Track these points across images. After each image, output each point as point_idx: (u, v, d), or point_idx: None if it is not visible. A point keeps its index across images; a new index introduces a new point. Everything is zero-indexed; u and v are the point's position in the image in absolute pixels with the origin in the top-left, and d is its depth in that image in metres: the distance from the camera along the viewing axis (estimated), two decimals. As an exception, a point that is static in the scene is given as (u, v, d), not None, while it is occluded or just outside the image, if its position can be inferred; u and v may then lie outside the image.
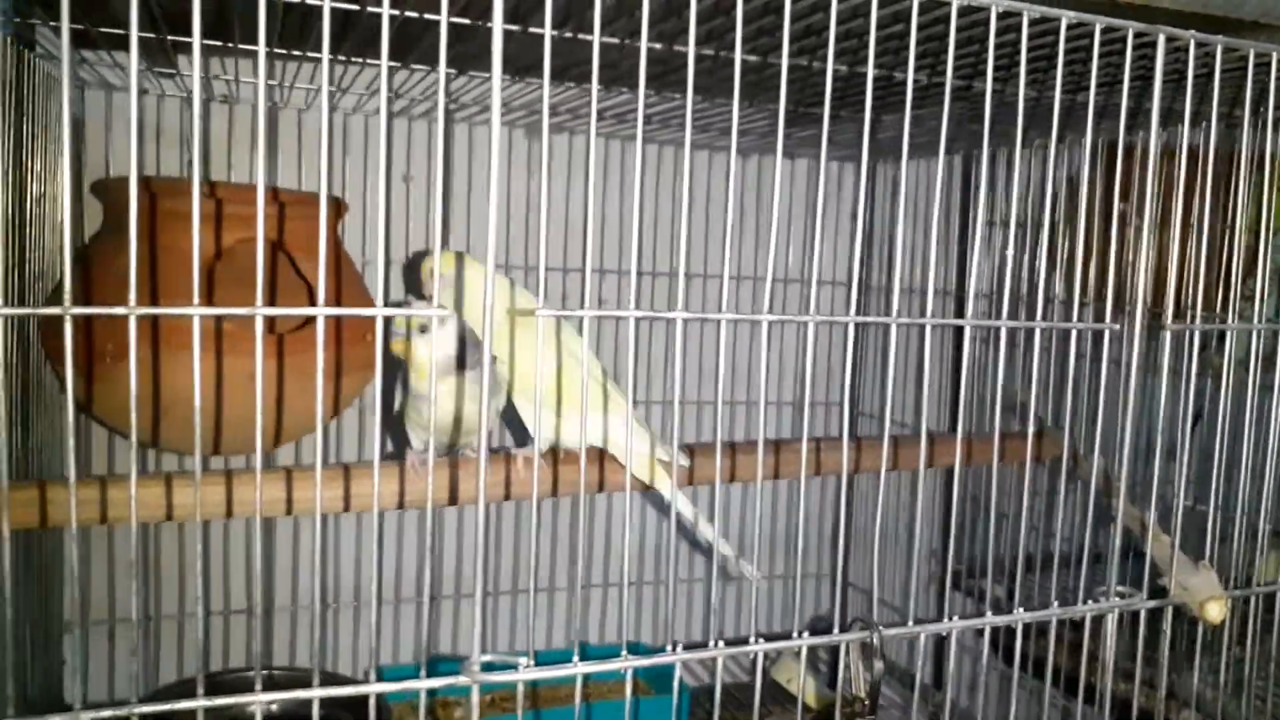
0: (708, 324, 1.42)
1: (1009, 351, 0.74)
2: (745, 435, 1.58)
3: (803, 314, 0.63)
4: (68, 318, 0.51)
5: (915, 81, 0.67)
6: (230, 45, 1.03)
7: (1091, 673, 0.85)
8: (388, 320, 0.90)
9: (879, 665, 0.64)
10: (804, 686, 1.44)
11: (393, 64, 1.10)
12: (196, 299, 0.52)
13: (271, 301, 1.02)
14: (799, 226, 1.60)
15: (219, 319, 1.03)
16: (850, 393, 0.78)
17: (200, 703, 0.54)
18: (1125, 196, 1.14)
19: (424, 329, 0.90)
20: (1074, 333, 0.75)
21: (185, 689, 1.23)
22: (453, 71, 1.06)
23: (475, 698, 0.57)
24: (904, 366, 1.40)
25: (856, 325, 0.66)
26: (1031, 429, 0.76)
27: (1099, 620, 0.75)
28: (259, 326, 0.58)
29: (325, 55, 0.52)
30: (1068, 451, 0.78)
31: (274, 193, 1.12)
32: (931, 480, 1.54)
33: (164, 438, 1.08)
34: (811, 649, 1.65)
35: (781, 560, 1.67)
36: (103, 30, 0.98)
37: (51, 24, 0.98)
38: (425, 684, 0.57)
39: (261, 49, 0.51)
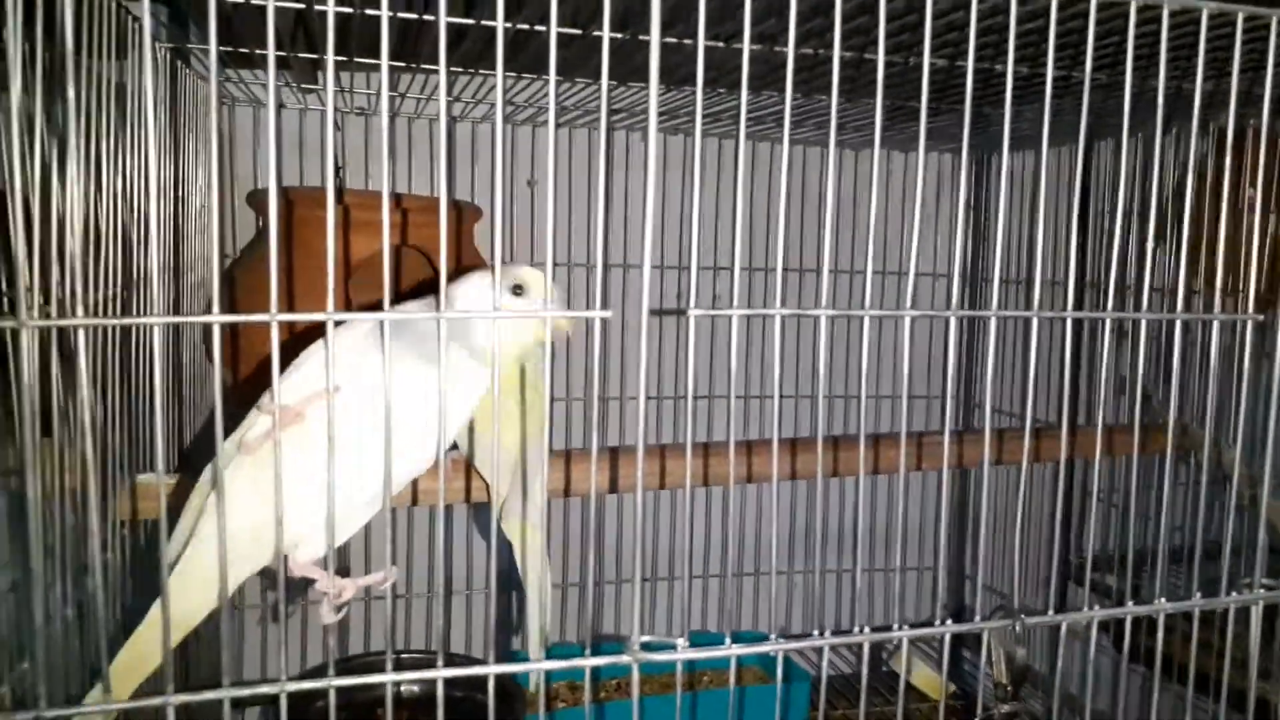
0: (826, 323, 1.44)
1: (1147, 347, 0.74)
2: (890, 427, 1.61)
3: (942, 309, 0.65)
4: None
5: (1018, 73, 0.68)
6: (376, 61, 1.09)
7: (1219, 669, 0.84)
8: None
9: (1022, 651, 0.65)
10: (921, 675, 1.45)
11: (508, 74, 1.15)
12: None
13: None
14: (912, 221, 1.60)
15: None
16: (974, 385, 0.79)
17: (389, 677, 0.58)
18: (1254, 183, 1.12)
19: None
20: (1215, 325, 0.74)
21: (351, 667, 1.30)
22: (614, 83, 1.11)
23: (635, 675, 0.60)
24: (1048, 360, 1.39)
25: (997, 321, 0.68)
26: (1173, 423, 0.76)
27: (1237, 613, 0.75)
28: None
29: (500, 72, 0.55)
30: (1208, 446, 0.78)
31: (398, 199, 1.18)
32: (1044, 475, 1.53)
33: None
34: (918, 641, 1.66)
35: (881, 554, 1.69)
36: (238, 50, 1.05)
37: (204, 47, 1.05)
38: (590, 662, 0.61)
39: (443, 69, 0.55)
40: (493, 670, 0.60)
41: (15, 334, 0.53)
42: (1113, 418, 1.30)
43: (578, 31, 0.84)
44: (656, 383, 1.52)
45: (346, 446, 0.64)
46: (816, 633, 0.64)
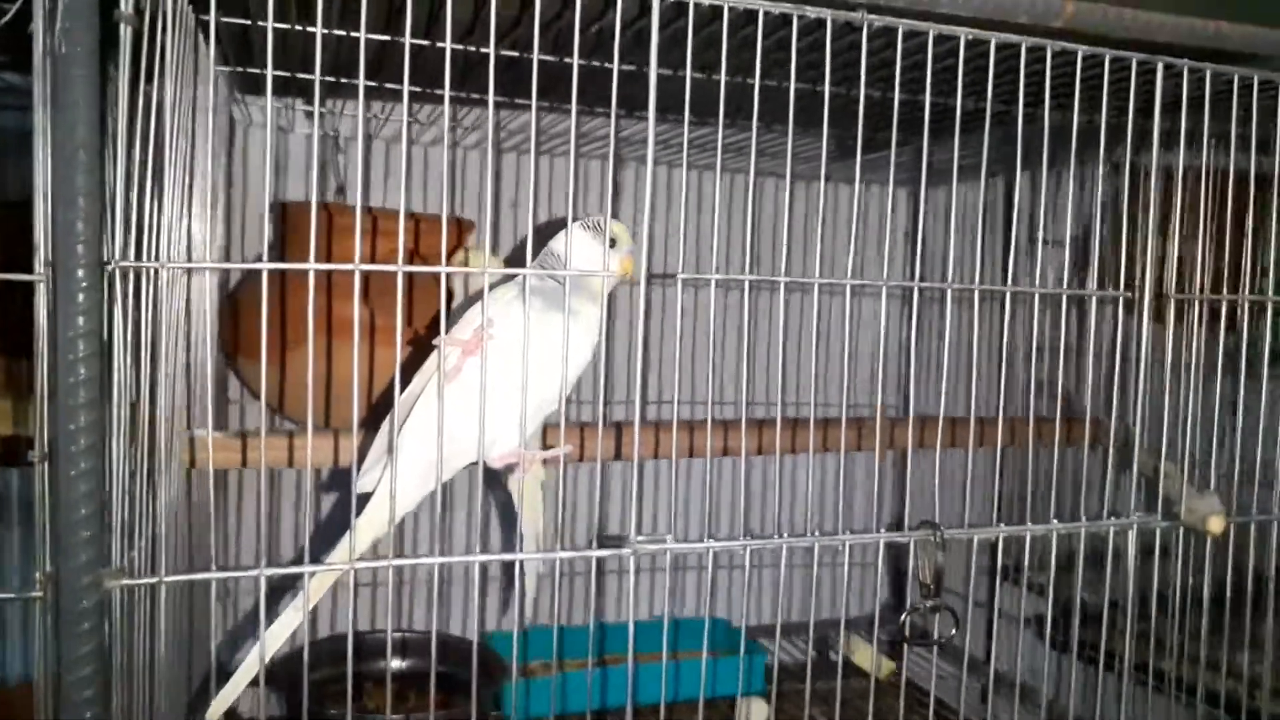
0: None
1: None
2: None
3: (877, 279, 0.82)
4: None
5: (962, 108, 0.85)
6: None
7: (1160, 659, 1.01)
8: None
9: (941, 557, 0.81)
10: (863, 654, 1.60)
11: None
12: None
13: (410, 300, 1.23)
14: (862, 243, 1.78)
15: (371, 316, 1.24)
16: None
17: (436, 559, 0.72)
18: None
19: None
20: (1093, 301, 0.92)
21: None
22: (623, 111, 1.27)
23: (633, 565, 0.75)
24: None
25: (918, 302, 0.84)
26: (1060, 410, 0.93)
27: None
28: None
29: (491, 98, 0.71)
30: (1089, 418, 0.95)
31: (411, 215, 1.34)
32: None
33: (333, 418, 1.28)
34: (878, 634, 1.80)
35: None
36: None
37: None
38: (595, 554, 0.75)
39: (448, 95, 0.71)
40: (477, 560, 0.74)
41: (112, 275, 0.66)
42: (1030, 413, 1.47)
43: (554, 59, 1.00)
44: (641, 390, 1.66)
45: (516, 371, 0.81)
46: (776, 535, 0.79)
